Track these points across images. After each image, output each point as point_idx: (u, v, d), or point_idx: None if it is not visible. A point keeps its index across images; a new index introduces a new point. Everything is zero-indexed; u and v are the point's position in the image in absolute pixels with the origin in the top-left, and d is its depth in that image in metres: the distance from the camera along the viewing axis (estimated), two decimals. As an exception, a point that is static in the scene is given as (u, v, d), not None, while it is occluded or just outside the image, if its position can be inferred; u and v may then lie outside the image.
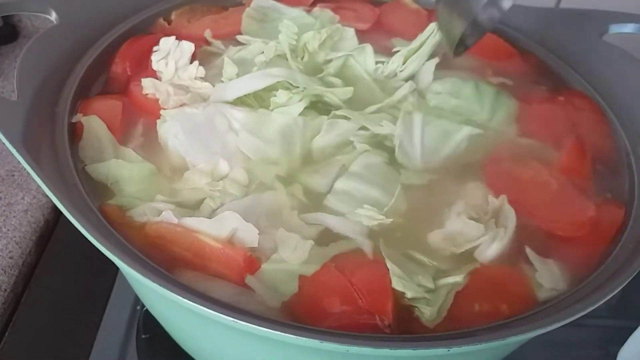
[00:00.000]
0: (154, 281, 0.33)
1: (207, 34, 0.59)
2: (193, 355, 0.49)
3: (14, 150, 0.38)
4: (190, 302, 0.32)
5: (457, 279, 0.38)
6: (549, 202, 0.45)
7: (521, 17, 0.64)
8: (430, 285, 0.37)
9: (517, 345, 0.41)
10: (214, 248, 0.38)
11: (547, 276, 0.40)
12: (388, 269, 0.37)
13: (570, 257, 0.42)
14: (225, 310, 0.32)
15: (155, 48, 0.54)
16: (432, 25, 0.58)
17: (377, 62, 0.56)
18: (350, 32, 0.58)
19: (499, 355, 0.42)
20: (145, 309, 0.58)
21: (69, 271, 0.68)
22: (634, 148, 0.50)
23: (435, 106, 0.52)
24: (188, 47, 0.53)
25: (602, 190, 0.48)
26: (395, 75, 0.56)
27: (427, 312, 0.36)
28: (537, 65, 0.61)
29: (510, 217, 0.43)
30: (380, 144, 0.48)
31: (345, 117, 0.49)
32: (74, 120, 0.47)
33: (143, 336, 0.58)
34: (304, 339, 0.31)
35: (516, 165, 0.48)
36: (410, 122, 0.48)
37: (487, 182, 0.46)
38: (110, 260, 0.47)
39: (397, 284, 0.37)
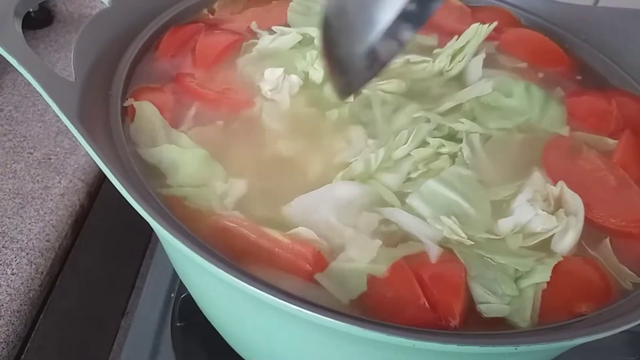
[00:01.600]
0: (226, 271, 0.32)
1: (254, 25, 0.59)
2: (233, 345, 0.48)
3: (73, 127, 0.37)
4: (263, 293, 0.31)
5: (543, 277, 0.37)
6: (607, 197, 0.45)
7: (565, 15, 0.64)
8: (514, 292, 0.37)
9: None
10: (282, 243, 0.38)
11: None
12: (460, 267, 0.37)
13: (632, 255, 0.41)
14: (294, 301, 0.31)
15: (266, 76, 0.52)
16: (476, 25, 0.58)
17: (423, 62, 0.56)
18: None
19: (558, 352, 0.42)
20: (183, 296, 0.58)
21: (103, 256, 0.68)
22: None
23: (487, 104, 0.52)
24: (297, 80, 0.53)
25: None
26: (442, 74, 0.56)
27: (524, 324, 0.36)
28: (584, 64, 0.61)
29: (578, 204, 0.42)
30: (452, 136, 0.48)
31: (426, 120, 0.49)
32: (126, 104, 0.47)
33: (178, 324, 0.58)
34: (370, 332, 0.30)
35: (574, 158, 0.47)
36: (472, 143, 0.47)
37: (546, 173, 0.45)
38: (140, 245, 0.46)
39: (487, 311, 0.36)
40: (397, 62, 0.56)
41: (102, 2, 0.50)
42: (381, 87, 0.52)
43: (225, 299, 0.40)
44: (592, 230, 0.42)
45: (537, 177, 0.45)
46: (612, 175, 0.46)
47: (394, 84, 0.52)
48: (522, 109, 0.52)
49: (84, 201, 0.68)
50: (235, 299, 0.37)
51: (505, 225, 0.41)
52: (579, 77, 0.59)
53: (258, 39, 0.58)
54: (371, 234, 0.39)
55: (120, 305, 0.67)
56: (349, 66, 0.36)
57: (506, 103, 0.52)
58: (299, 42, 0.58)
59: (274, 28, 0.59)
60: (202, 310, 0.48)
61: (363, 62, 0.34)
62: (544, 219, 0.41)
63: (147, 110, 0.46)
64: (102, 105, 0.45)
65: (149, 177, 0.42)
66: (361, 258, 0.38)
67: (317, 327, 0.31)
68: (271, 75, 0.52)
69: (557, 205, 0.43)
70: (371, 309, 0.36)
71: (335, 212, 0.40)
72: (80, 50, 0.44)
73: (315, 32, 0.57)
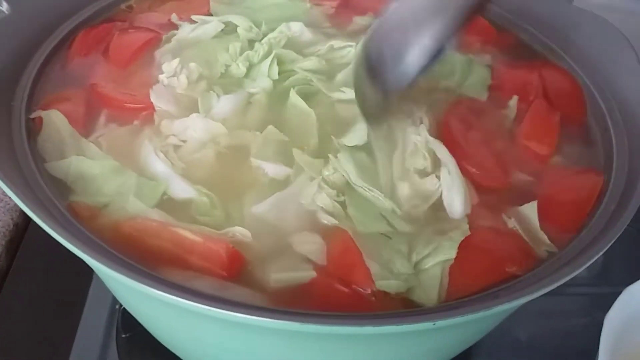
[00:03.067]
0: (127, 276, 0.31)
1: (174, 17, 0.58)
2: (175, 352, 0.47)
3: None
4: (163, 293, 0.30)
5: (449, 254, 0.37)
6: (487, 159, 0.45)
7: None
8: (409, 270, 0.37)
9: (505, 315, 0.40)
10: (194, 242, 0.37)
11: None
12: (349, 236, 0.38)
13: (552, 223, 0.41)
14: (199, 299, 0.30)
15: (164, 69, 0.51)
16: None
17: (347, 46, 0.55)
18: (297, 26, 0.56)
19: (488, 326, 0.42)
20: (123, 307, 0.57)
21: (43, 275, 0.66)
22: (609, 111, 0.49)
23: None
24: (195, 67, 0.51)
25: (576, 156, 0.48)
26: None
27: (430, 304, 0.36)
28: (506, 32, 0.60)
29: (446, 157, 0.42)
30: None
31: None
32: (33, 116, 0.45)
33: (123, 335, 0.56)
34: (282, 322, 0.29)
35: (473, 121, 0.48)
36: None
37: (445, 138, 0.45)
38: (83, 262, 0.46)
39: (387, 287, 0.36)
40: (322, 48, 0.55)
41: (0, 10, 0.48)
42: (300, 65, 0.51)
43: (145, 305, 0.38)
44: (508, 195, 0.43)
45: (410, 131, 0.44)
46: (501, 141, 0.47)
47: (313, 62, 0.52)
48: (441, 75, 0.51)
49: (18, 220, 0.65)
50: (152, 304, 0.36)
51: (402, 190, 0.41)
52: (503, 46, 0.59)
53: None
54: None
55: (74, 322, 0.65)
56: (380, 101, 0.42)
57: None
58: (222, 30, 0.56)
59: (194, 17, 0.57)
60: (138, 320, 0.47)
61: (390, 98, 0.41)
62: (425, 182, 0.41)
63: (55, 119, 0.44)
64: (5, 119, 0.43)
65: (61, 191, 0.40)
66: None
67: (227, 322, 0.30)
68: (168, 68, 0.50)
69: (435, 164, 0.43)
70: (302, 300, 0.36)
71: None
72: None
73: (238, 20, 0.56)
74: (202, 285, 0.34)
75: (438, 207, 0.42)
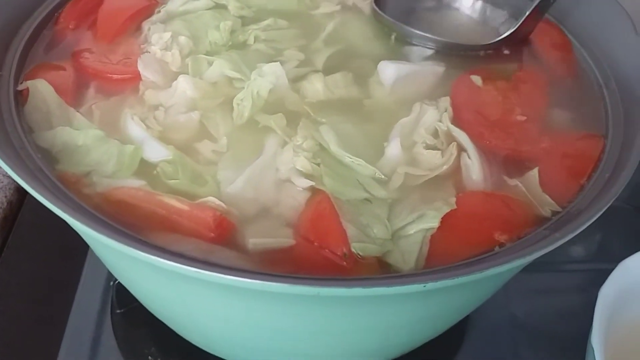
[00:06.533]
0: (118, 241, 0.31)
1: None
2: (169, 324, 0.47)
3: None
4: (151, 256, 0.30)
5: (431, 223, 0.37)
6: (508, 127, 0.45)
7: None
8: (386, 235, 0.37)
9: (501, 280, 0.40)
10: (181, 210, 0.37)
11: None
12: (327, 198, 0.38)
13: (552, 187, 0.41)
14: (187, 261, 0.30)
15: (153, 40, 0.51)
16: None
17: None
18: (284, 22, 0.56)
19: (484, 291, 0.41)
20: (117, 282, 0.57)
21: (38, 253, 0.66)
22: (605, 81, 0.49)
23: None
24: (185, 41, 0.51)
25: (575, 122, 0.47)
26: None
27: (407, 268, 0.35)
28: None
29: (464, 140, 0.43)
30: None
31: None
32: (20, 88, 0.44)
33: (118, 311, 0.56)
34: (270, 283, 0.29)
35: (487, 88, 0.48)
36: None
37: (452, 102, 0.46)
38: (78, 238, 0.47)
39: (362, 250, 0.36)
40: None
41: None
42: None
43: (137, 273, 0.38)
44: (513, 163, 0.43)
45: (431, 113, 0.44)
46: (519, 107, 0.46)
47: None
48: None
49: (12, 197, 0.65)
50: (145, 272, 0.36)
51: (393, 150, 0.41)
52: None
53: None
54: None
55: (69, 300, 0.65)
56: None
57: None
58: (211, 7, 0.55)
59: None
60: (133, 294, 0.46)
61: None
62: (428, 156, 0.42)
63: (41, 89, 0.44)
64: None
65: (49, 161, 0.40)
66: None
67: (216, 285, 0.30)
68: (159, 40, 0.50)
69: (449, 140, 0.44)
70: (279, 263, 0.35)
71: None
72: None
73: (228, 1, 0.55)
74: (189, 248, 0.34)
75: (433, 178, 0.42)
